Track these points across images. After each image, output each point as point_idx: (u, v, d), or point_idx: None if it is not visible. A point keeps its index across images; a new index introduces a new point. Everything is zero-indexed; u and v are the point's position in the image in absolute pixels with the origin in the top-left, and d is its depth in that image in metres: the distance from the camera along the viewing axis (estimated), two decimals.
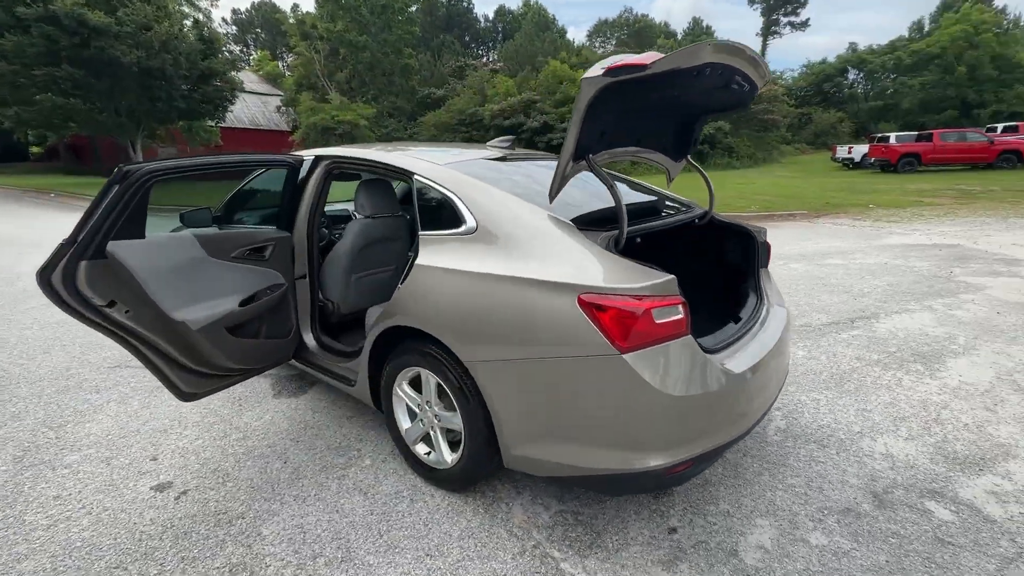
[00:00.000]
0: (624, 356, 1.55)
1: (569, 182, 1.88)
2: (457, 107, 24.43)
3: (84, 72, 17.12)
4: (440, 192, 2.13)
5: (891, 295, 4.89)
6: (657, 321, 1.56)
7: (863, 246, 7.16)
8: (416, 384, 2.27)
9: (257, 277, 2.43)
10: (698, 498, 2.13)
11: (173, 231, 2.31)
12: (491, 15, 55.16)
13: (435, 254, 2.04)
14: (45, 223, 10.44)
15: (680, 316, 1.61)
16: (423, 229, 2.14)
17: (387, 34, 28.34)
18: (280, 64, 42.64)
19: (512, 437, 1.82)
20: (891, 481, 2.22)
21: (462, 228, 2.00)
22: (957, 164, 18.32)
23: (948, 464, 2.33)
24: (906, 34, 38.81)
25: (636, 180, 2.91)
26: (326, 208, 3.09)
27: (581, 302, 1.61)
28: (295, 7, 48.21)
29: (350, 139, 22.70)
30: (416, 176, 2.24)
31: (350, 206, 4.12)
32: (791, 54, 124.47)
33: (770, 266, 2.62)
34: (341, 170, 2.72)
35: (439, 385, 2.07)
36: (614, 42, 47.91)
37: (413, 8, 31.86)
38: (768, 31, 47.53)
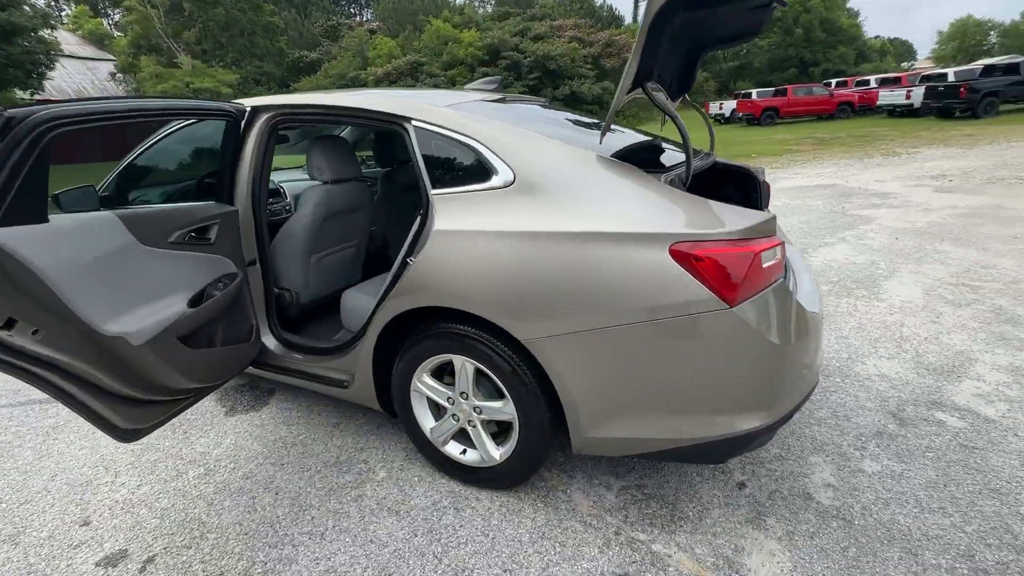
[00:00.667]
0: (733, 309, 1.36)
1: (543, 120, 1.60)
2: (336, 71, 22.41)
3: None
4: (454, 140, 1.74)
5: (808, 232, 5.33)
6: (764, 266, 1.39)
7: None
8: (439, 374, 1.92)
9: (205, 267, 1.86)
10: None
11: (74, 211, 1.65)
12: None
13: (460, 216, 1.67)
14: None
15: (779, 258, 1.45)
16: (436, 187, 1.75)
17: None
18: (105, 22, 35.56)
19: (588, 418, 1.57)
20: (899, 399, 2.36)
21: (494, 181, 1.65)
22: (806, 116, 20.83)
23: (932, 375, 2.54)
24: None
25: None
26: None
27: (675, 253, 1.39)
28: None
29: None
30: (416, 123, 1.81)
31: (278, 176, 3.45)
32: None
33: None
34: (291, 124, 2.16)
35: (477, 371, 1.75)
36: (493, 2, 46.82)
37: None
38: None
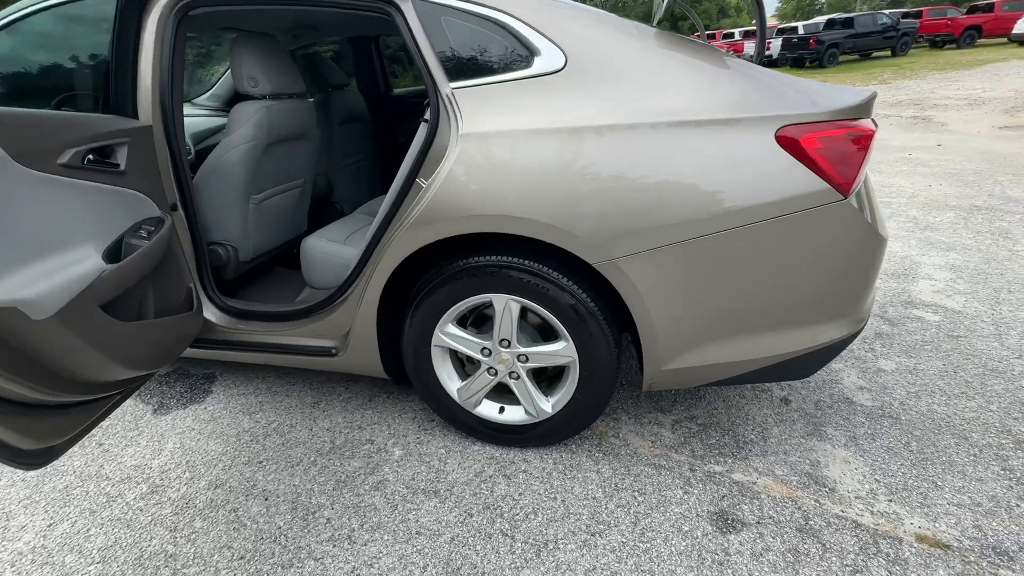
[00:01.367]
0: (848, 200, 1.20)
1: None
2: None
3: None
4: (477, 16, 1.33)
5: None
6: (871, 149, 1.23)
7: None
8: (464, 321, 1.58)
9: (117, 206, 1.29)
10: None
11: None
12: None
13: (496, 113, 1.30)
14: None
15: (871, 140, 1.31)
16: (455, 80, 1.34)
17: None
18: None
19: (669, 348, 1.35)
20: (879, 302, 2.48)
21: (538, 66, 1.29)
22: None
23: (894, 279, 2.71)
24: None
25: None
26: None
27: (783, 139, 1.17)
28: None
29: None
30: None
31: None
32: None
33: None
34: (207, 5, 1.55)
35: (523, 311, 1.44)
36: None
37: None
38: None
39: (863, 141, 1.20)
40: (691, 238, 1.23)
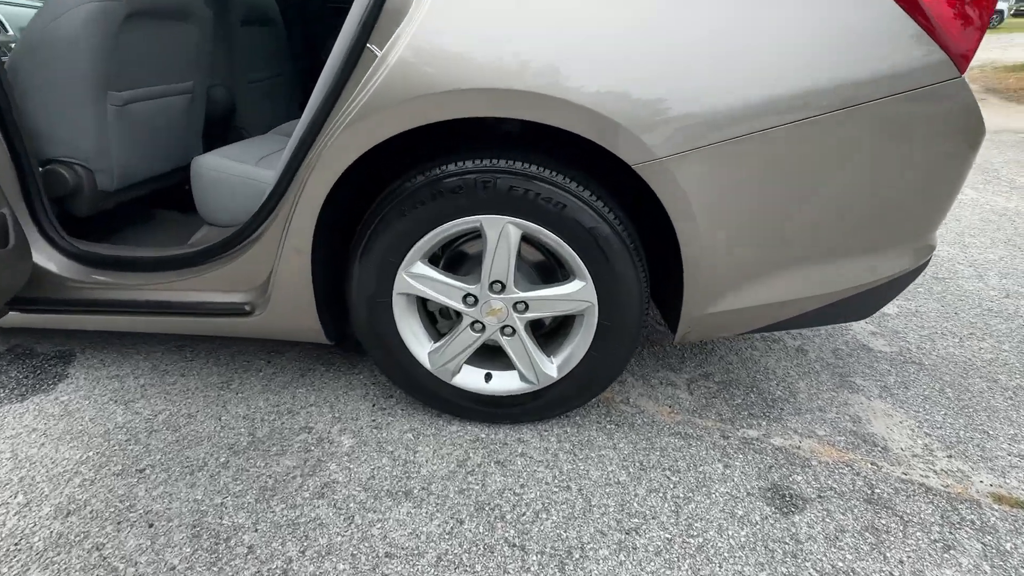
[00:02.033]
0: (964, 78, 0.91)
1: None
2: None
3: None
4: None
5: None
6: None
7: None
8: (436, 261, 1.16)
9: None
10: None
11: None
12: None
13: None
14: None
15: None
16: None
17: None
18: None
19: (715, 286, 1.03)
20: None
21: None
22: None
23: None
24: None
25: None
26: None
27: None
28: None
29: None
30: None
31: None
32: None
33: None
34: None
35: (522, 241, 1.05)
36: None
37: None
38: None
39: (984, 3, 0.91)
40: (768, 128, 0.90)
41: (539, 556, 0.96)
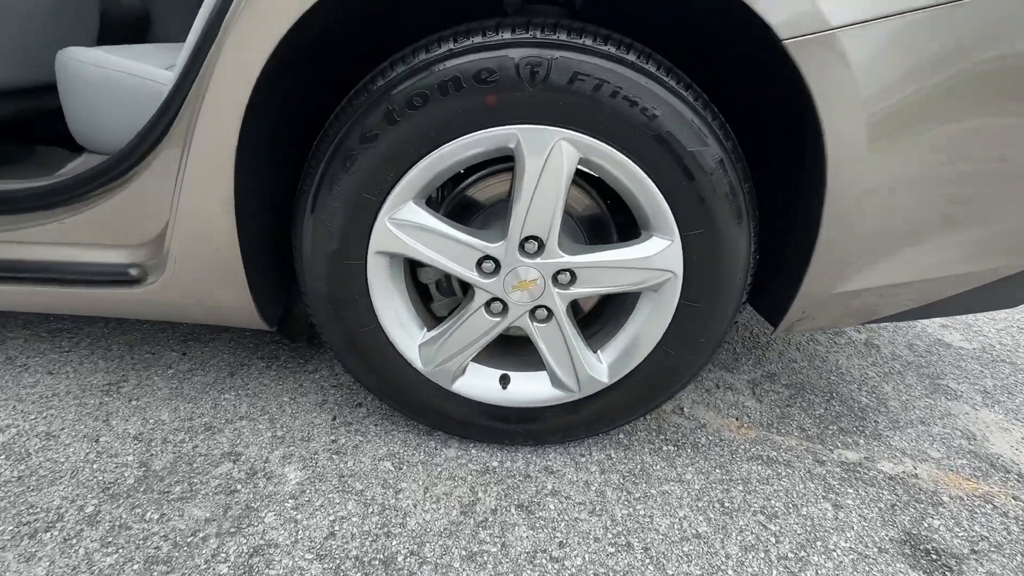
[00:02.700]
0: None
1: None
2: None
3: None
4: None
5: None
6: None
7: None
8: (436, 205, 0.77)
9: None
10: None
11: None
12: None
13: None
14: None
15: None
16: None
17: None
18: None
19: (865, 247, 0.69)
20: None
21: None
22: None
23: None
24: None
25: None
26: None
27: None
28: None
29: None
30: None
31: None
32: None
33: None
34: None
35: (576, 181, 0.68)
36: None
37: None
38: None
39: None
40: None
41: None
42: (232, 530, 0.73)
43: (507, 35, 0.60)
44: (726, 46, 0.75)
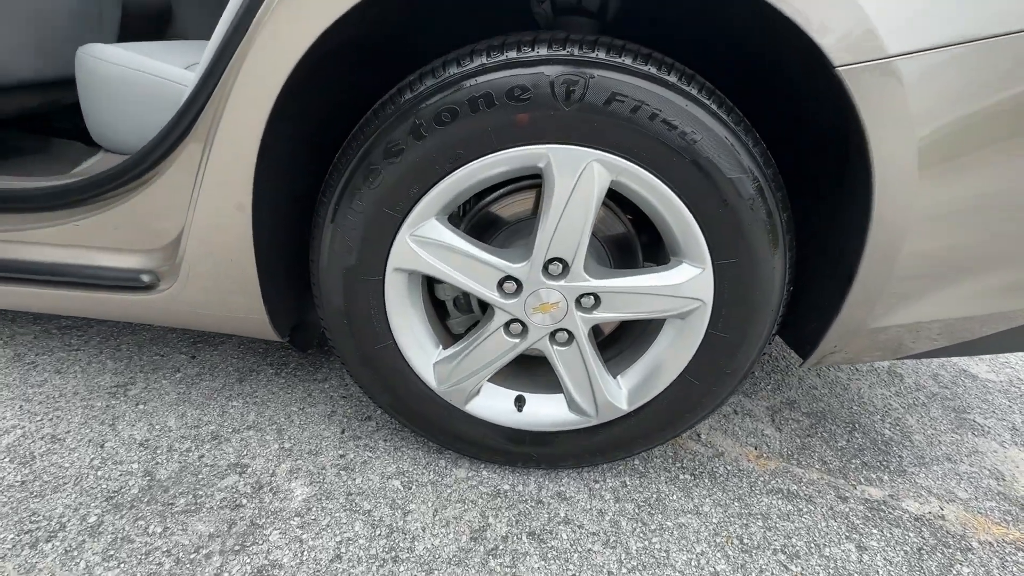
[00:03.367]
0: None
1: None
2: None
3: None
4: None
5: None
6: None
7: None
8: (456, 221, 0.75)
9: None
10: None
11: None
12: None
13: None
14: None
15: None
16: None
17: None
18: None
19: (908, 280, 0.66)
20: None
21: None
22: None
23: None
24: None
25: None
26: None
27: None
28: None
29: None
30: None
31: None
32: None
33: None
34: None
35: (610, 202, 0.66)
36: None
37: None
38: None
39: None
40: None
41: None
42: (236, 548, 0.71)
43: (543, 51, 0.57)
44: (767, 63, 0.72)
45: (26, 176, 0.87)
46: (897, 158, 0.57)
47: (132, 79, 0.84)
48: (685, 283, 0.68)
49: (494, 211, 0.79)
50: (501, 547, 0.75)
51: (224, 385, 1.01)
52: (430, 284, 0.83)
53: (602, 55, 0.57)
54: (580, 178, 0.62)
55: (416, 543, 0.74)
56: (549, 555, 0.75)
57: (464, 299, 0.84)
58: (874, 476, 0.96)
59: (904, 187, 0.58)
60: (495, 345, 0.75)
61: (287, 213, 0.77)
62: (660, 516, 0.83)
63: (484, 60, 0.58)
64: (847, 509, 0.88)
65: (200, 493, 0.79)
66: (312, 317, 0.95)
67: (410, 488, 0.83)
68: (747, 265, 0.66)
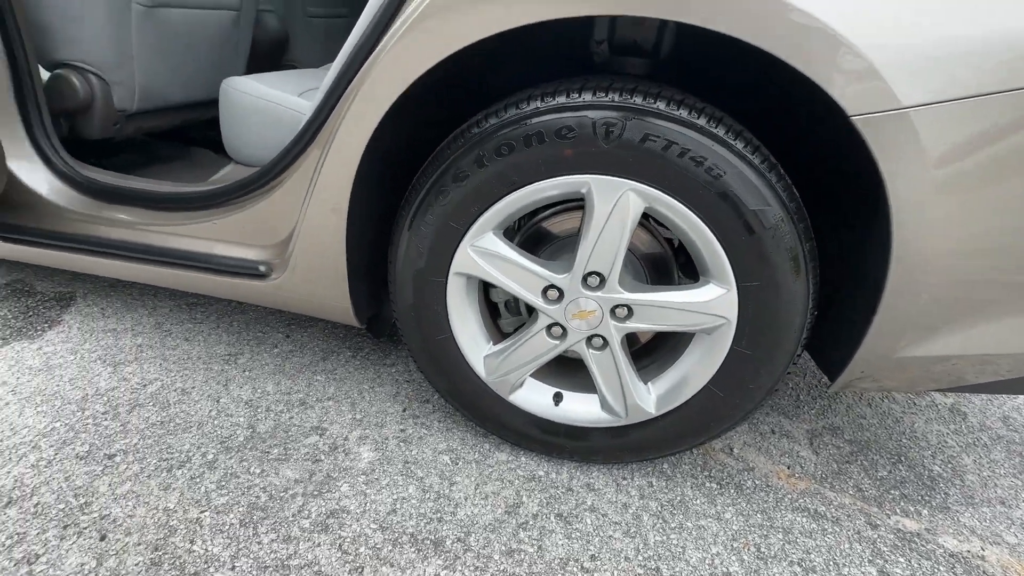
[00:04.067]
0: None
1: None
2: None
3: None
4: None
5: None
6: None
7: None
8: (510, 234, 0.87)
9: None
10: None
11: None
12: None
13: None
14: None
15: None
16: None
17: None
18: None
19: (930, 313, 0.69)
20: None
21: None
22: None
23: None
24: None
25: None
26: None
27: None
28: None
29: None
30: None
31: None
32: None
33: None
34: None
35: (643, 226, 0.74)
36: None
37: None
38: None
39: None
40: None
41: None
42: (315, 493, 0.87)
43: (588, 97, 0.67)
44: (795, 110, 0.77)
45: (177, 182, 1.09)
46: (913, 200, 0.61)
47: (261, 107, 1.04)
48: (711, 301, 0.75)
49: (545, 227, 0.90)
50: (531, 523, 0.85)
51: (311, 361, 1.20)
52: (486, 287, 0.95)
53: (639, 101, 0.66)
54: (616, 204, 0.71)
55: (459, 509, 0.86)
56: (573, 535, 0.84)
57: (514, 302, 0.96)
58: (912, 509, 0.95)
59: (922, 228, 0.62)
60: (538, 344, 0.86)
61: (372, 220, 0.92)
62: (681, 516, 0.89)
63: (538, 104, 0.69)
64: (876, 535, 0.89)
65: (289, 446, 0.96)
66: (386, 311, 1.10)
67: (457, 463, 0.95)
68: (770, 288, 0.72)
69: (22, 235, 1.04)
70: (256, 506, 0.84)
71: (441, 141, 0.82)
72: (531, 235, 0.90)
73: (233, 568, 0.75)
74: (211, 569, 0.74)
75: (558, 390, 0.93)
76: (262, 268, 0.94)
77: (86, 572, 0.73)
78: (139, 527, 0.79)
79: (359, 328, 1.09)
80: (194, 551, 0.77)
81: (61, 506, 0.82)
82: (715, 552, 0.83)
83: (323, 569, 0.76)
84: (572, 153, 0.69)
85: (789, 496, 0.95)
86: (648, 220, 0.85)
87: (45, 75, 1.13)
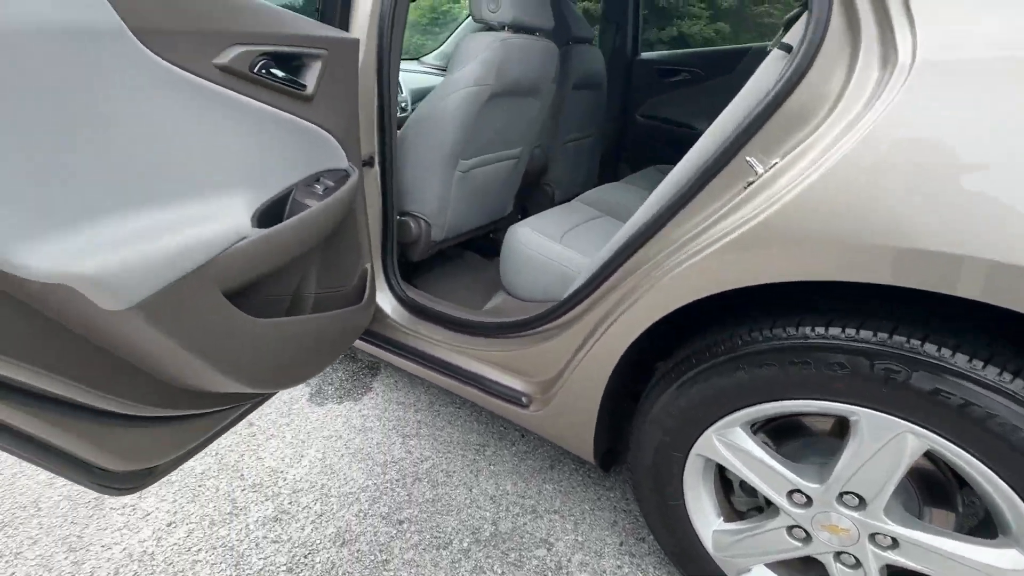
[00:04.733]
0: None
1: None
2: None
3: None
4: None
5: None
6: None
7: None
8: (757, 429, 0.89)
9: (292, 144, 0.89)
10: None
11: None
12: None
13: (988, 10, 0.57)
14: None
15: None
16: None
17: None
18: None
19: None
20: None
21: None
22: None
23: None
24: None
25: None
26: None
27: None
28: None
29: None
30: None
31: None
32: None
33: None
34: None
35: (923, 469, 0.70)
36: None
37: None
38: None
39: None
40: None
41: None
42: None
43: (867, 335, 0.68)
44: None
45: (459, 306, 1.40)
46: None
47: (533, 258, 1.29)
48: (1009, 571, 0.65)
49: (796, 419, 0.90)
50: None
51: (541, 467, 1.37)
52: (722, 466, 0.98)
53: (928, 349, 0.64)
54: (890, 442, 0.68)
55: None
56: None
57: (746, 485, 0.96)
58: None
59: None
60: (776, 540, 0.85)
61: (626, 389, 1.05)
62: None
63: (808, 331, 0.73)
64: None
65: (523, 553, 1.13)
66: (616, 446, 1.21)
67: None
68: None
69: (374, 339, 1.46)
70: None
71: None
72: (778, 425, 0.90)
73: None
74: None
75: None
76: (524, 400, 1.14)
77: None
78: None
79: (593, 463, 1.22)
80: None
81: (371, 558, 1.12)
82: None
83: None
84: (843, 387, 0.70)
85: None
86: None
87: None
